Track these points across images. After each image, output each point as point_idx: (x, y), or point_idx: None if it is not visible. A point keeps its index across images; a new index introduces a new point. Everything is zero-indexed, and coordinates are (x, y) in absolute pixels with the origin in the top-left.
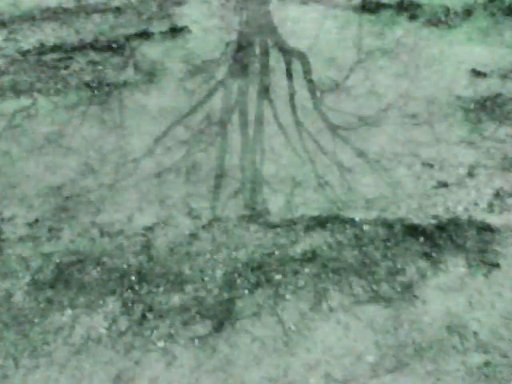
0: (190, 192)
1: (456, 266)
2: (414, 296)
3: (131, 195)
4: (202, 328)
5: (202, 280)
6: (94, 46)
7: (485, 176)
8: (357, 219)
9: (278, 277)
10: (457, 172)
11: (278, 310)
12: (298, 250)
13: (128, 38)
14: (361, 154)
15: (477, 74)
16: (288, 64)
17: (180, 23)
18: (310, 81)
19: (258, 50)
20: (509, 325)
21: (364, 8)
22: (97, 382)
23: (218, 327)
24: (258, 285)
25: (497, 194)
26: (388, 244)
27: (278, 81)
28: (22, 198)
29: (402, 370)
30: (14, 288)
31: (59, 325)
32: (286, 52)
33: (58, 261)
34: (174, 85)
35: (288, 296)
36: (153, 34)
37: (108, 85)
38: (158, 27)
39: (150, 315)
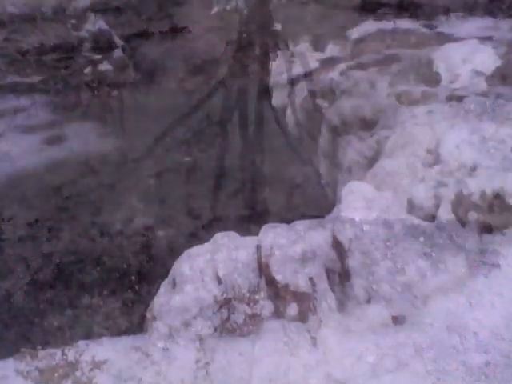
0: (190, 192)
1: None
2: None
3: (131, 195)
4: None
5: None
6: (94, 46)
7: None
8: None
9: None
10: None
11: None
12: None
13: (128, 38)
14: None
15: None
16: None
17: (180, 23)
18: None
19: (257, 50)
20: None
21: (364, 8)
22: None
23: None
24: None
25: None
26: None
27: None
28: (22, 198)
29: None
30: (13, 288)
31: (59, 325)
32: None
33: (57, 261)
34: (174, 85)
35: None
36: (153, 33)
37: (108, 85)
38: (157, 27)
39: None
